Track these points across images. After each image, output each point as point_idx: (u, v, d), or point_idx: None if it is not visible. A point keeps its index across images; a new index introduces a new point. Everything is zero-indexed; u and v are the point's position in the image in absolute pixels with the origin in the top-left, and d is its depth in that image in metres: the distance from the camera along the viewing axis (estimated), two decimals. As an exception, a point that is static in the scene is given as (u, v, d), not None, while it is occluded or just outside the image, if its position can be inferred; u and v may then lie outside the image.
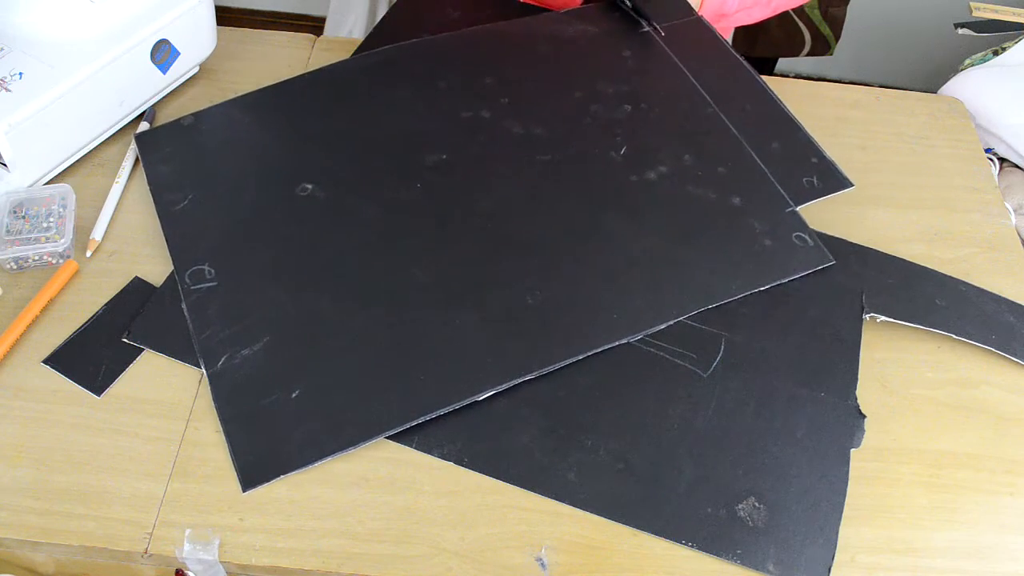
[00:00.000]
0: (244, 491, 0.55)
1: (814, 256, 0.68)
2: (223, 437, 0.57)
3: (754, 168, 0.73)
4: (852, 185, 0.74)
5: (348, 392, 0.59)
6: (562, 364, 0.61)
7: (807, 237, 0.69)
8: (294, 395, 0.58)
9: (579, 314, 0.64)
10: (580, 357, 0.61)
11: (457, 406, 0.58)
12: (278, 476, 0.56)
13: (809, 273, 0.68)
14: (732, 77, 0.80)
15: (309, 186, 0.69)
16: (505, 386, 0.60)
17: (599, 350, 0.62)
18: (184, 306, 0.62)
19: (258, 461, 0.56)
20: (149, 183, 0.70)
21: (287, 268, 0.65)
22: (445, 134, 0.74)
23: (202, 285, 0.63)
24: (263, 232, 0.67)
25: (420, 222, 0.68)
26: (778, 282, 0.66)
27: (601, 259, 0.67)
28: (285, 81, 0.78)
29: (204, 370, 0.59)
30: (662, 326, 0.63)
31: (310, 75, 0.79)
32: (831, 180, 0.73)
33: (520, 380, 0.60)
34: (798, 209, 0.71)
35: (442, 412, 0.58)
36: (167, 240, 0.66)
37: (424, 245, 0.67)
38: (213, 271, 0.64)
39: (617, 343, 0.62)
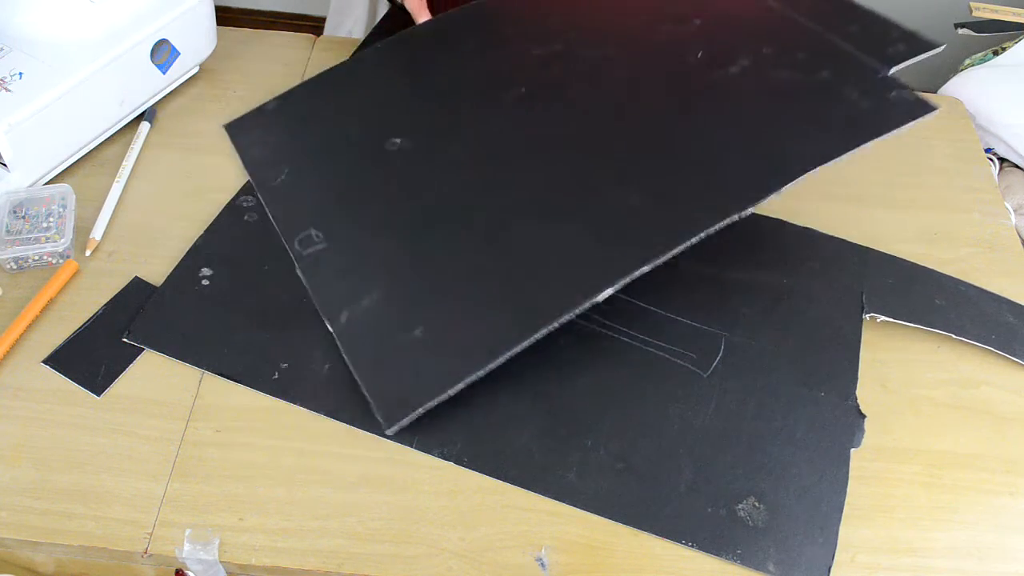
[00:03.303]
0: (386, 429, 0.56)
1: (918, 107, 0.63)
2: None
3: (835, 47, 0.70)
4: (941, 45, 0.68)
5: (469, 319, 0.60)
6: (678, 249, 0.58)
7: (905, 93, 0.64)
8: (417, 332, 0.59)
9: (686, 201, 0.62)
10: (695, 239, 0.58)
11: (577, 311, 0.57)
12: (419, 408, 0.56)
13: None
14: None
15: (397, 140, 0.70)
16: (622, 283, 0.57)
17: (716, 228, 0.58)
18: (299, 271, 0.64)
19: (396, 399, 0.57)
20: (245, 165, 0.72)
21: (391, 218, 0.66)
22: (521, 70, 0.74)
23: (312, 249, 0.64)
24: (362, 190, 0.68)
25: (511, 150, 0.69)
26: (891, 133, 0.62)
27: (697, 148, 0.65)
28: (354, 57, 0.80)
29: (330, 328, 0.61)
30: (778, 190, 0.59)
31: (378, 49, 0.78)
32: (916, 43, 0.69)
33: (636, 274, 0.57)
34: (890, 73, 0.67)
35: (564, 319, 0.57)
36: (270, 213, 0.68)
37: (519, 170, 0.67)
38: (320, 234, 0.65)
39: (737, 216, 0.58)
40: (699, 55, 0.71)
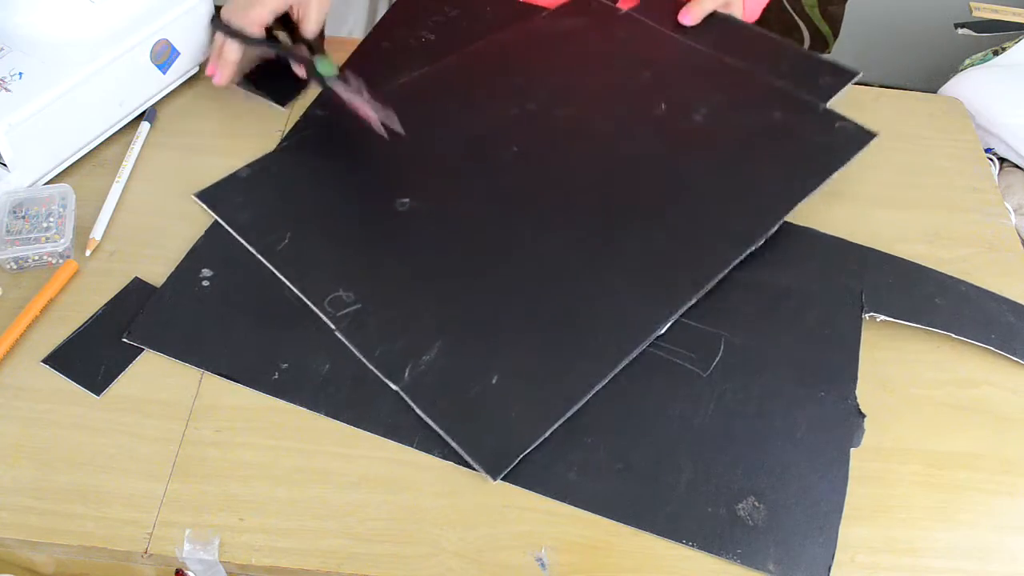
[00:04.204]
0: (495, 480, 0.56)
1: (862, 135, 0.75)
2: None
3: (775, 88, 0.80)
4: (859, 72, 0.80)
5: (542, 363, 0.61)
6: (719, 279, 0.66)
7: (847, 123, 0.76)
8: (494, 381, 0.59)
9: (711, 234, 0.69)
10: (727, 269, 0.66)
11: (646, 344, 0.62)
12: (520, 455, 0.56)
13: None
14: (713, 28, 0.86)
15: (405, 200, 0.70)
16: (678, 314, 0.64)
17: (741, 257, 0.67)
18: (339, 335, 0.62)
19: (496, 449, 0.57)
20: (237, 233, 0.68)
21: (425, 272, 0.66)
22: (505, 131, 0.77)
23: (347, 310, 0.63)
24: (383, 247, 0.68)
25: (527, 204, 0.71)
26: (849, 161, 0.74)
27: (701, 191, 0.72)
28: (317, 128, 0.77)
29: (393, 386, 0.59)
30: (778, 223, 0.69)
31: (347, 118, 0.77)
32: (841, 74, 0.81)
33: (689, 305, 0.64)
34: (828, 105, 0.78)
35: (637, 352, 0.62)
36: (286, 278, 0.64)
37: (539, 223, 0.70)
38: (351, 295, 0.64)
39: (755, 247, 0.68)
40: (662, 107, 0.78)
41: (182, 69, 0.79)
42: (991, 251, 0.73)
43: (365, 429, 0.58)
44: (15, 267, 0.65)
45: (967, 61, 1.03)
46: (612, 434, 0.59)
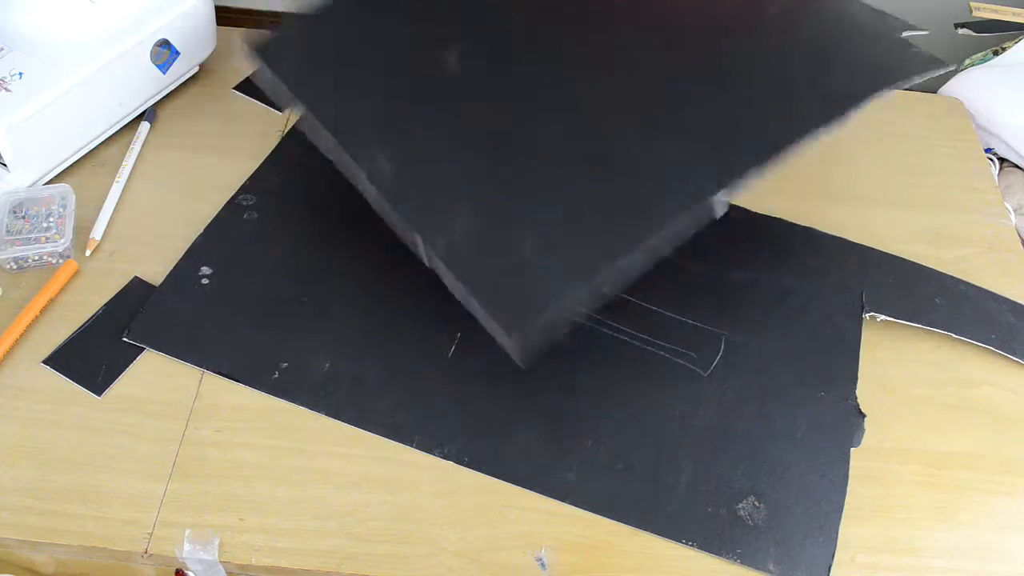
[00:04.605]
0: (510, 335, 0.52)
1: (934, 62, 0.67)
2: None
3: (849, 9, 0.73)
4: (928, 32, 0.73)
5: (580, 225, 0.57)
6: (783, 152, 0.59)
7: (922, 52, 0.68)
8: (527, 245, 0.56)
9: (781, 104, 0.62)
10: (796, 144, 0.59)
11: (693, 207, 0.56)
12: (545, 310, 0.53)
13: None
14: None
15: (449, 56, 0.65)
16: (732, 184, 0.57)
17: (808, 138, 0.60)
18: (380, 194, 0.58)
19: (520, 309, 0.53)
20: (290, 88, 0.64)
21: (468, 136, 0.62)
22: (535, 20, 0.70)
23: (385, 172, 0.59)
24: (428, 106, 0.63)
25: (574, 58, 0.66)
26: (924, 75, 0.66)
27: (774, 65, 0.66)
28: None
29: (423, 252, 0.56)
30: (846, 112, 0.61)
31: None
32: (908, 24, 0.72)
33: (748, 177, 0.57)
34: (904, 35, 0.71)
35: (685, 213, 0.56)
36: (332, 132, 0.61)
37: (588, 85, 0.64)
38: (388, 151, 0.60)
39: (816, 131, 0.60)
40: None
41: (182, 69, 0.79)
42: (991, 251, 0.73)
43: (365, 429, 0.58)
44: (15, 267, 0.65)
45: (967, 61, 1.03)
46: (612, 434, 0.59)
